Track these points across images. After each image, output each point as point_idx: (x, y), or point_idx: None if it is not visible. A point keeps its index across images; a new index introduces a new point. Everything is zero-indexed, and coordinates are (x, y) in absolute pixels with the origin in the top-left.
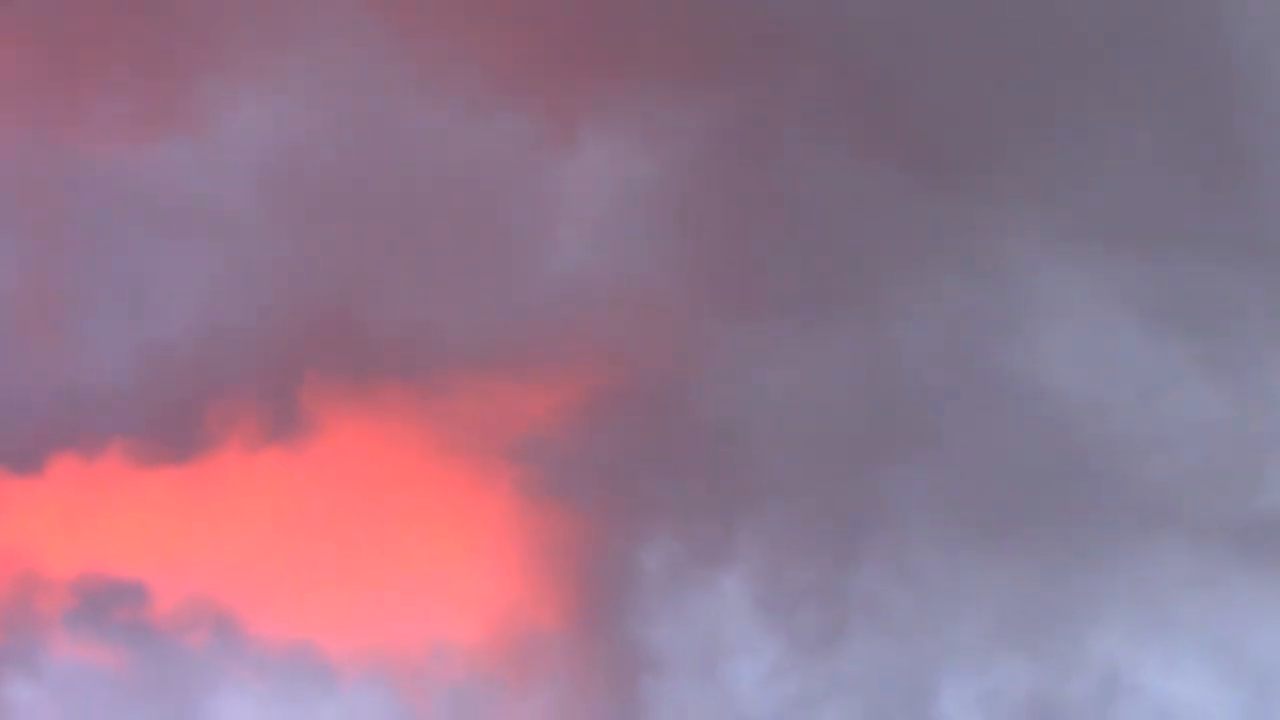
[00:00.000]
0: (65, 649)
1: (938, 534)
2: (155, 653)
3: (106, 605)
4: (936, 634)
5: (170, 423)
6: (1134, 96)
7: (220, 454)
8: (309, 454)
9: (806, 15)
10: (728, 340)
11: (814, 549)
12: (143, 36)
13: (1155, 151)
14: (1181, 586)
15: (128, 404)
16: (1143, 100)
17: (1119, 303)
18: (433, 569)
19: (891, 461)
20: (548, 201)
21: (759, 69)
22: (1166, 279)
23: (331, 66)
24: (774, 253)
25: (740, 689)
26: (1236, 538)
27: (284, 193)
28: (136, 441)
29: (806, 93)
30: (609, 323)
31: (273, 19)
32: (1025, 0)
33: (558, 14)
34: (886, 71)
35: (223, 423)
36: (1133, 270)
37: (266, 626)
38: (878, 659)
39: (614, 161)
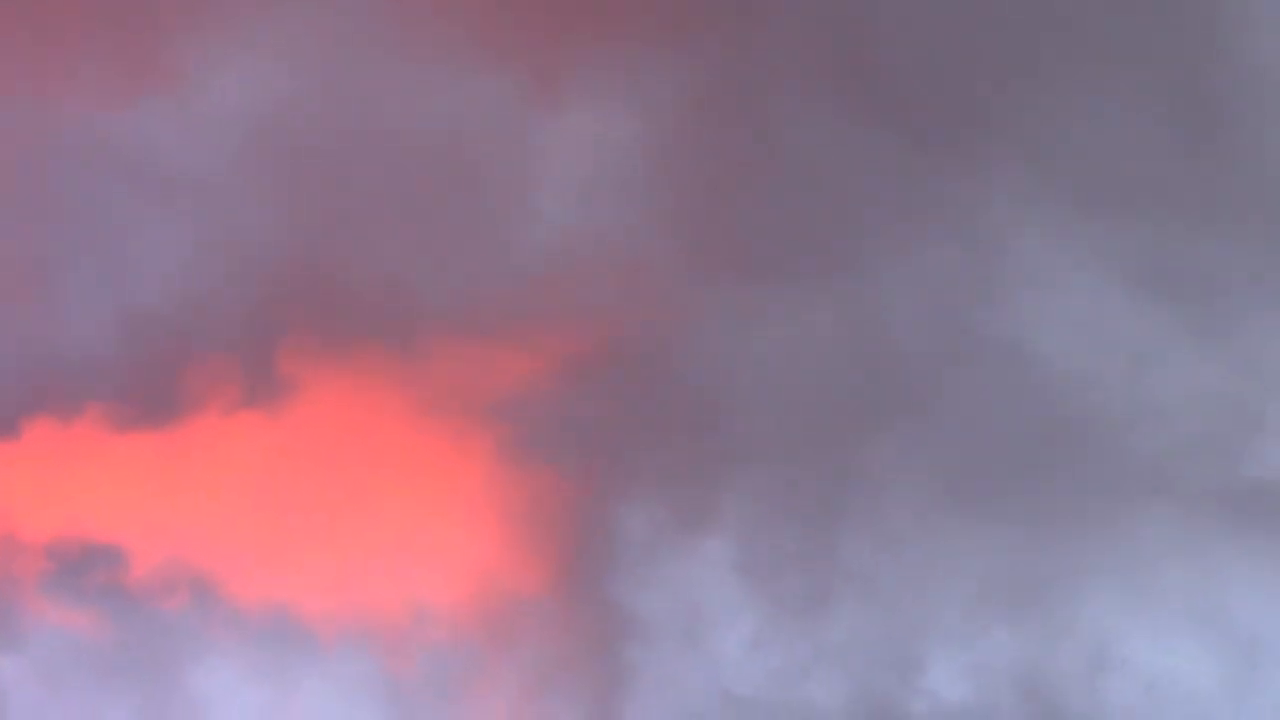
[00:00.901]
0: (41, 613)
1: (922, 501)
2: (133, 617)
3: (83, 569)
4: (922, 603)
5: (148, 386)
6: (1120, 60)
7: (198, 418)
8: (287, 417)
9: None
10: (711, 303)
11: (797, 515)
12: None
13: (1141, 115)
14: (1169, 555)
15: (105, 368)
16: (1129, 64)
17: (1106, 269)
18: (412, 532)
19: (876, 428)
20: (530, 162)
21: (743, 30)
22: (1153, 244)
23: (313, 27)
24: (758, 216)
25: (724, 656)
26: (1224, 506)
27: (263, 155)
28: (114, 405)
29: (791, 54)
30: (591, 285)
31: None
32: None
33: None
34: (871, 34)
35: (200, 386)
36: (1119, 236)
37: (245, 590)
38: (863, 629)
39: (597, 122)
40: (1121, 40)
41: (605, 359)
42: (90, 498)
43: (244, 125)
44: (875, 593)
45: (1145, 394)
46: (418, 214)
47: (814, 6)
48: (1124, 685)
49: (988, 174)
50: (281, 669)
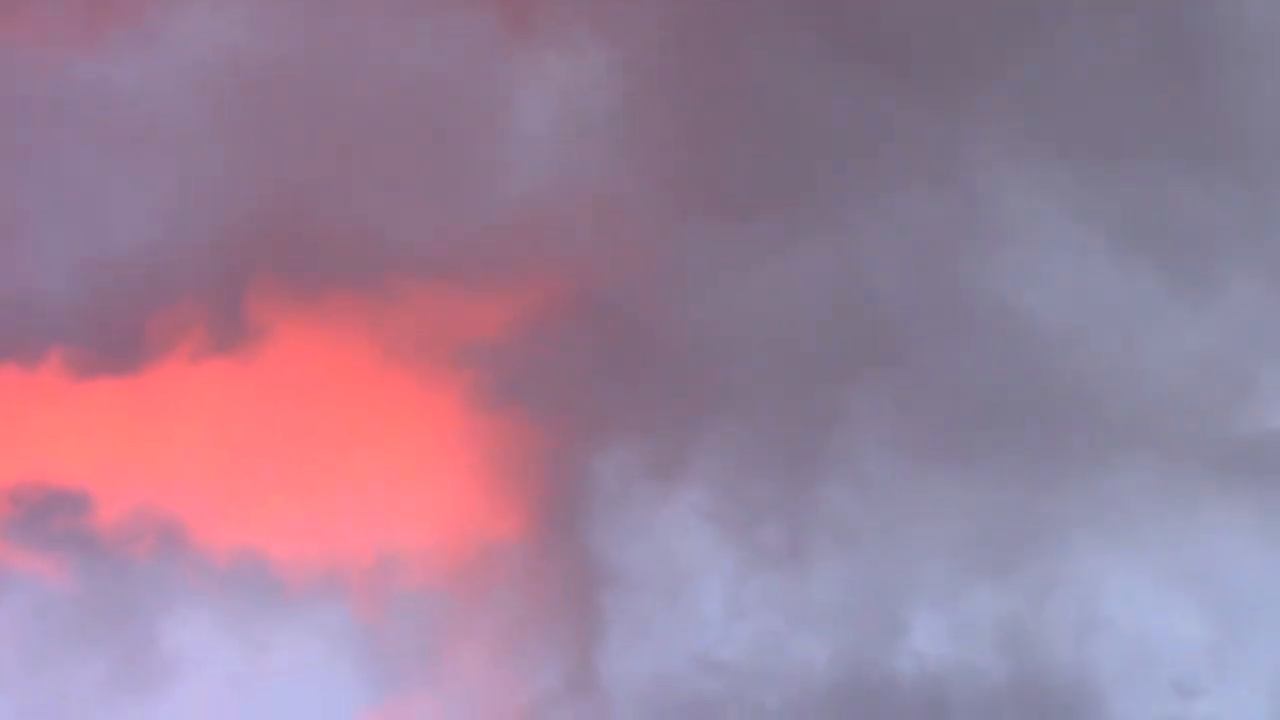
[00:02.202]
0: (5, 558)
1: (902, 453)
2: (99, 564)
3: (48, 514)
4: (903, 558)
5: (115, 332)
6: (1106, 9)
7: (165, 363)
8: (256, 363)
9: None
10: (687, 250)
11: (773, 465)
12: None
13: (1127, 65)
14: (1153, 512)
15: (71, 314)
16: (1114, 12)
17: (1091, 221)
18: (383, 478)
19: (855, 378)
20: (503, 106)
21: None
22: (1139, 196)
23: None
24: (736, 162)
25: (701, 609)
26: (1209, 463)
27: (231, 99)
28: (80, 351)
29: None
30: (565, 230)
31: None
32: None
33: None
34: None
35: (168, 332)
36: (1104, 187)
37: (213, 537)
38: (843, 585)
39: (570, 65)
40: None
41: (579, 305)
42: (55, 444)
43: (211, 69)
44: (855, 547)
45: (1130, 349)
46: (389, 157)
47: None
48: (1109, 643)
49: (971, 122)
50: (253, 620)
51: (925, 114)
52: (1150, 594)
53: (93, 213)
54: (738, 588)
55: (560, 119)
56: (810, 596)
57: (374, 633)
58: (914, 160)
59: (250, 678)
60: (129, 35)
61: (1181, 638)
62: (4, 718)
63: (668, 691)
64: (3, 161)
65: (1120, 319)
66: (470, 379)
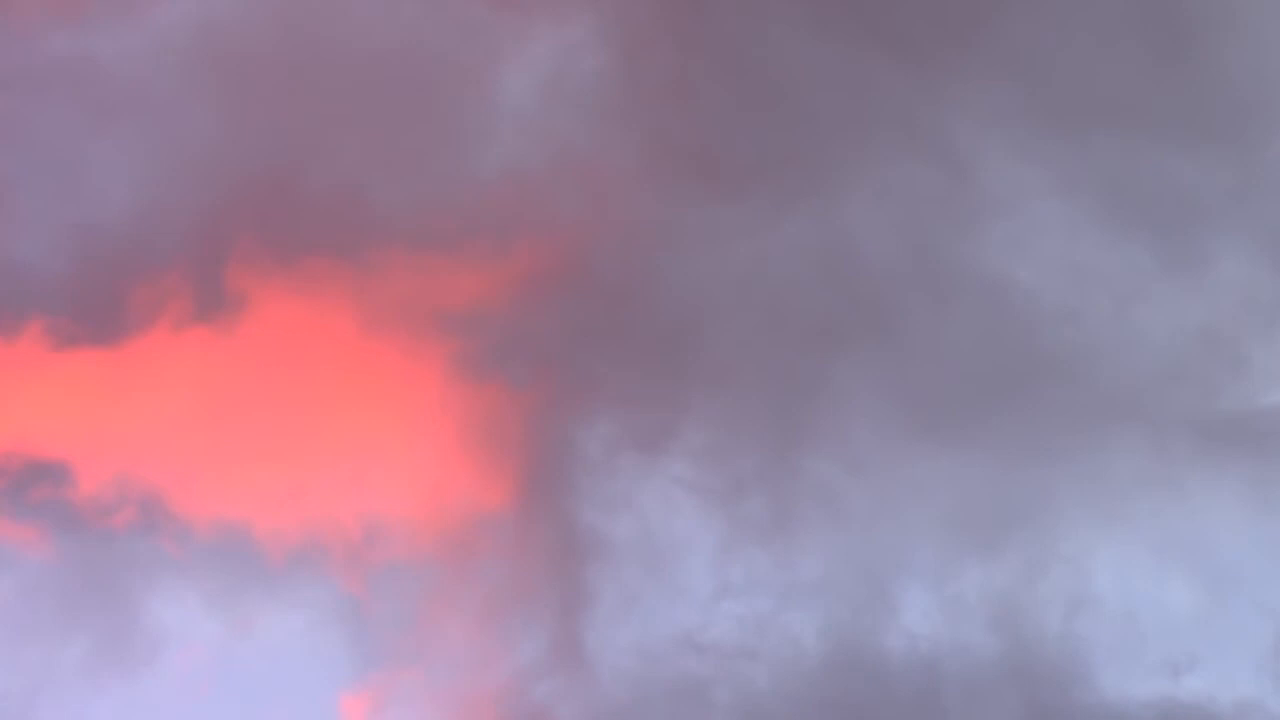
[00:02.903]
0: None
1: (890, 427)
2: (78, 535)
3: (27, 485)
4: (892, 533)
5: (96, 302)
6: None
7: (147, 333)
8: (238, 333)
9: None
10: (675, 221)
11: (760, 437)
12: None
13: (1114, 36)
14: (1143, 486)
15: (51, 283)
16: None
17: (1078, 193)
18: (366, 447)
19: (842, 351)
20: (488, 74)
21: None
22: (1126, 170)
23: None
24: (725, 133)
25: (686, 583)
26: (1199, 437)
27: (213, 67)
28: (60, 321)
29: None
30: (551, 199)
31: None
32: None
33: None
34: None
35: (149, 302)
36: (1092, 158)
37: (195, 508)
38: (831, 561)
39: (558, 31)
40: None
41: (564, 275)
42: (35, 414)
43: (193, 38)
44: (842, 521)
45: (1120, 323)
46: (371, 124)
47: None
48: (1099, 618)
49: (960, 93)
50: (236, 593)
51: (914, 85)
52: (1141, 568)
53: (73, 182)
54: (724, 562)
55: (545, 88)
56: (798, 572)
57: (358, 605)
58: (903, 132)
59: (234, 652)
60: (110, 4)
61: (1172, 612)
62: None
63: (654, 669)
64: None
65: (1110, 292)
66: (454, 348)
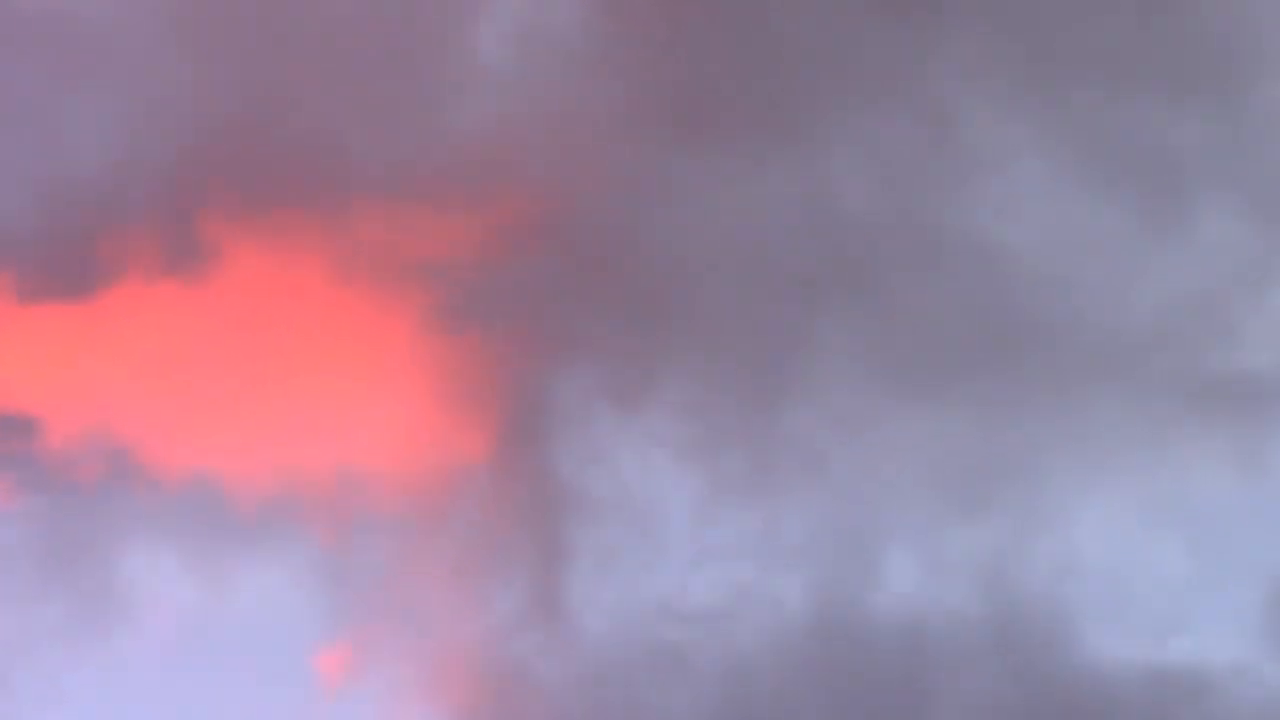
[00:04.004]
0: None
1: (872, 385)
2: (49, 489)
3: None
4: (875, 493)
5: (66, 255)
6: None
7: (118, 286)
8: (210, 284)
9: None
10: (656, 172)
11: (740, 392)
12: None
13: None
14: (1129, 447)
15: (22, 237)
16: None
17: (1063, 152)
18: (341, 400)
19: (825, 306)
20: (466, 22)
21: None
22: (1111, 127)
23: None
24: (706, 84)
25: (667, 538)
26: (1185, 397)
27: (186, 18)
28: (30, 274)
29: None
30: (529, 149)
31: None
32: None
33: None
34: None
35: (120, 255)
36: (1075, 117)
37: (167, 462)
38: (815, 521)
39: None
40: None
41: (541, 226)
42: (5, 368)
43: None
44: (825, 480)
45: (1105, 282)
46: (345, 74)
47: None
48: (1086, 580)
49: (944, 47)
50: (210, 549)
51: (898, 36)
52: (1128, 530)
53: (42, 134)
54: (704, 520)
55: (523, 38)
56: (780, 533)
57: (333, 559)
58: (887, 85)
59: (208, 609)
60: None
61: (1160, 574)
62: None
63: (634, 630)
64: None
65: (1096, 251)
66: (430, 300)
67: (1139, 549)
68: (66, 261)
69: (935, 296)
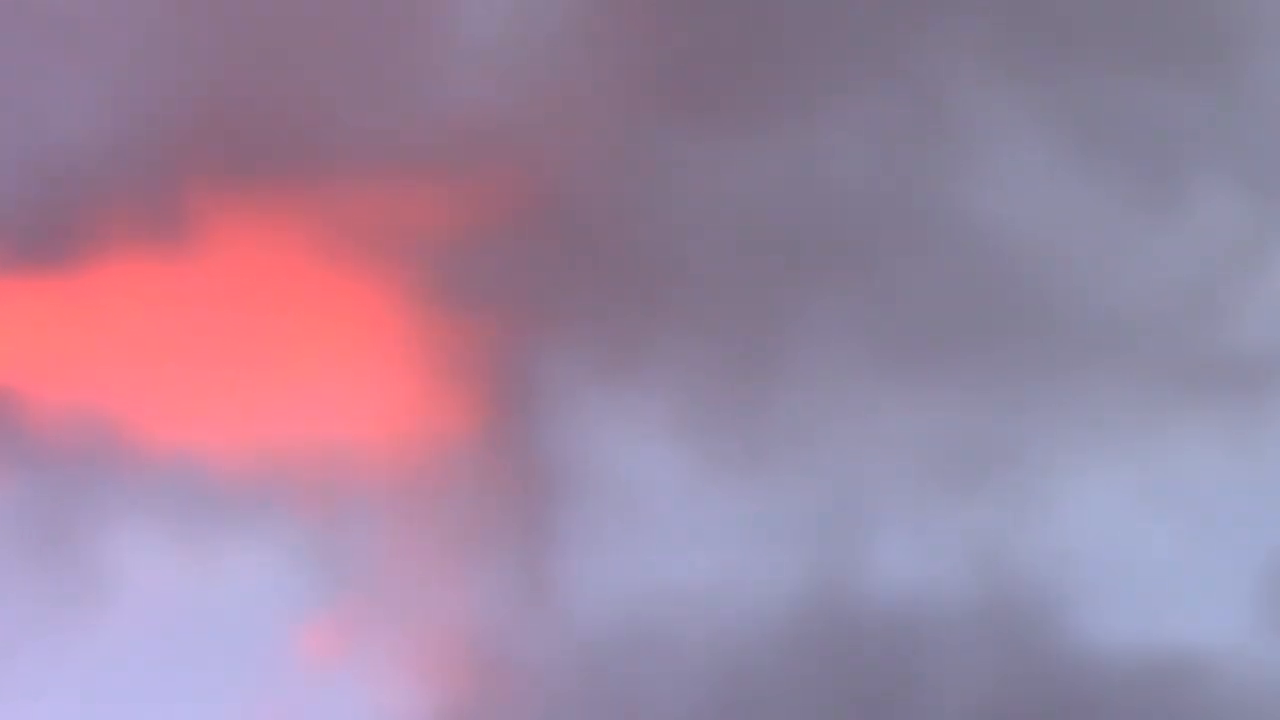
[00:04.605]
0: None
1: (864, 363)
2: (30, 462)
3: None
4: (867, 471)
5: (48, 228)
6: None
7: (101, 259)
8: (194, 258)
9: None
10: (645, 149)
11: (730, 370)
12: None
13: None
14: (1123, 428)
15: (3, 209)
16: None
17: (1056, 131)
18: (325, 373)
19: (817, 283)
20: None
21: None
22: (1105, 104)
23: None
24: (696, 60)
25: (657, 518)
26: (1180, 379)
27: None
28: (12, 246)
29: None
30: (518, 126)
31: None
32: None
33: None
34: None
35: (103, 227)
36: (1068, 94)
37: (148, 437)
38: (806, 502)
39: None
40: None
41: (530, 202)
42: None
43: None
44: (815, 461)
45: (1097, 261)
46: (332, 47)
47: None
48: (1079, 560)
49: (936, 21)
50: (192, 521)
51: (892, 13)
52: (1121, 511)
53: (23, 107)
54: (694, 501)
55: (514, 10)
56: (771, 513)
57: (318, 536)
58: (880, 62)
59: (191, 587)
60: None
61: (1153, 555)
62: None
63: (621, 613)
64: None
65: (1090, 231)
66: (417, 275)
67: (1133, 531)
68: (48, 235)
69: (929, 276)
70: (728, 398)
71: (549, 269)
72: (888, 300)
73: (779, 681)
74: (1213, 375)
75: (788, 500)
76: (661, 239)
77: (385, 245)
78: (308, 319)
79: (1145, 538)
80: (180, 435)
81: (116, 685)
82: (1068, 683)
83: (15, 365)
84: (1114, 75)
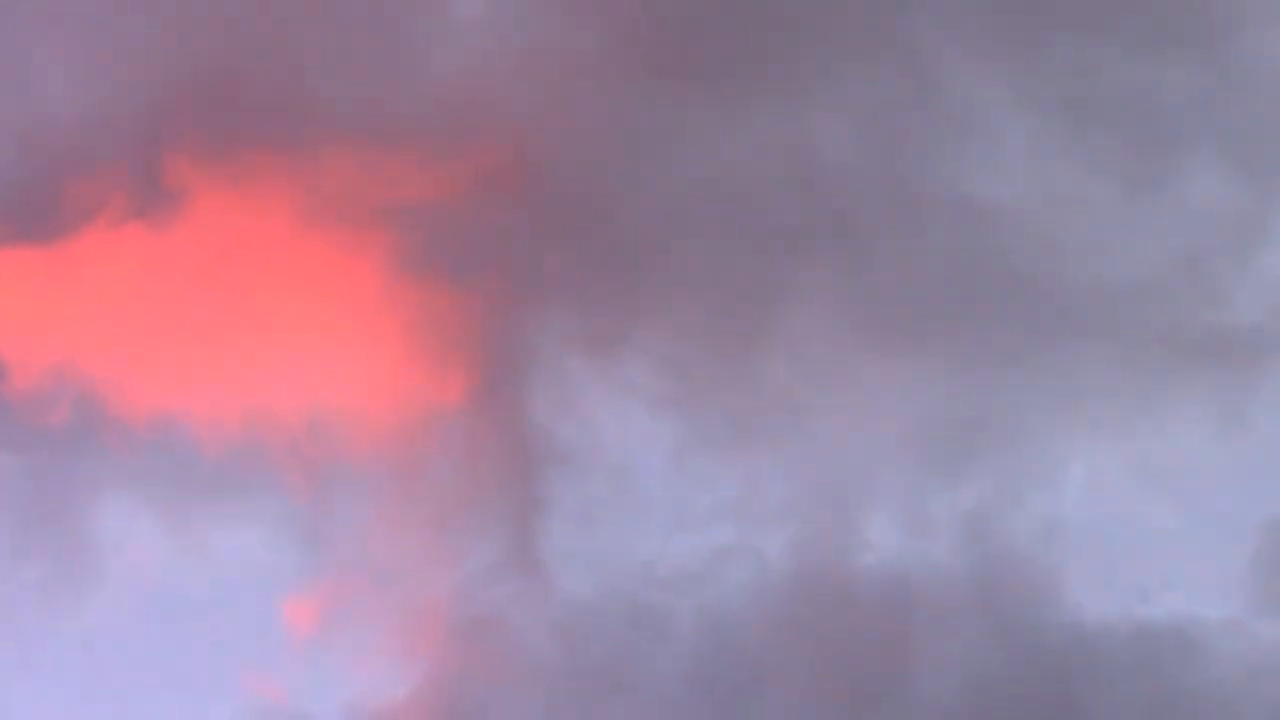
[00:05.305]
0: None
1: (852, 338)
2: (14, 431)
3: None
4: (856, 447)
5: (33, 199)
6: None
7: (85, 229)
8: (178, 227)
9: None
10: (636, 119)
11: (718, 343)
12: None
13: None
14: (1112, 402)
15: None
16: None
17: (1046, 104)
18: (310, 344)
19: (806, 257)
20: None
21: None
22: (1096, 79)
23: None
24: (686, 30)
25: (645, 491)
26: (1171, 353)
27: None
28: None
29: None
30: (507, 92)
31: None
32: None
33: None
34: None
35: (87, 197)
36: (1060, 71)
37: (134, 407)
38: (795, 476)
39: None
40: None
41: (517, 171)
42: None
43: None
44: (804, 436)
45: (1088, 236)
46: (316, 14)
47: None
48: (1070, 536)
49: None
50: (176, 492)
51: None
52: (1112, 487)
53: (8, 79)
54: (681, 472)
55: None
56: (759, 488)
57: (303, 508)
58: (869, 37)
59: (176, 560)
60: None
61: (1145, 530)
62: None
63: (609, 585)
64: None
65: (1079, 206)
66: (401, 244)
67: (1124, 506)
68: (32, 206)
69: (917, 251)
70: (715, 371)
71: (536, 240)
72: (877, 277)
73: (766, 653)
74: (1205, 351)
75: (777, 475)
76: (649, 212)
77: (370, 216)
78: (293, 290)
79: (1138, 512)
80: (166, 406)
81: (104, 658)
82: (1060, 655)
83: (1, 335)
84: (1104, 52)
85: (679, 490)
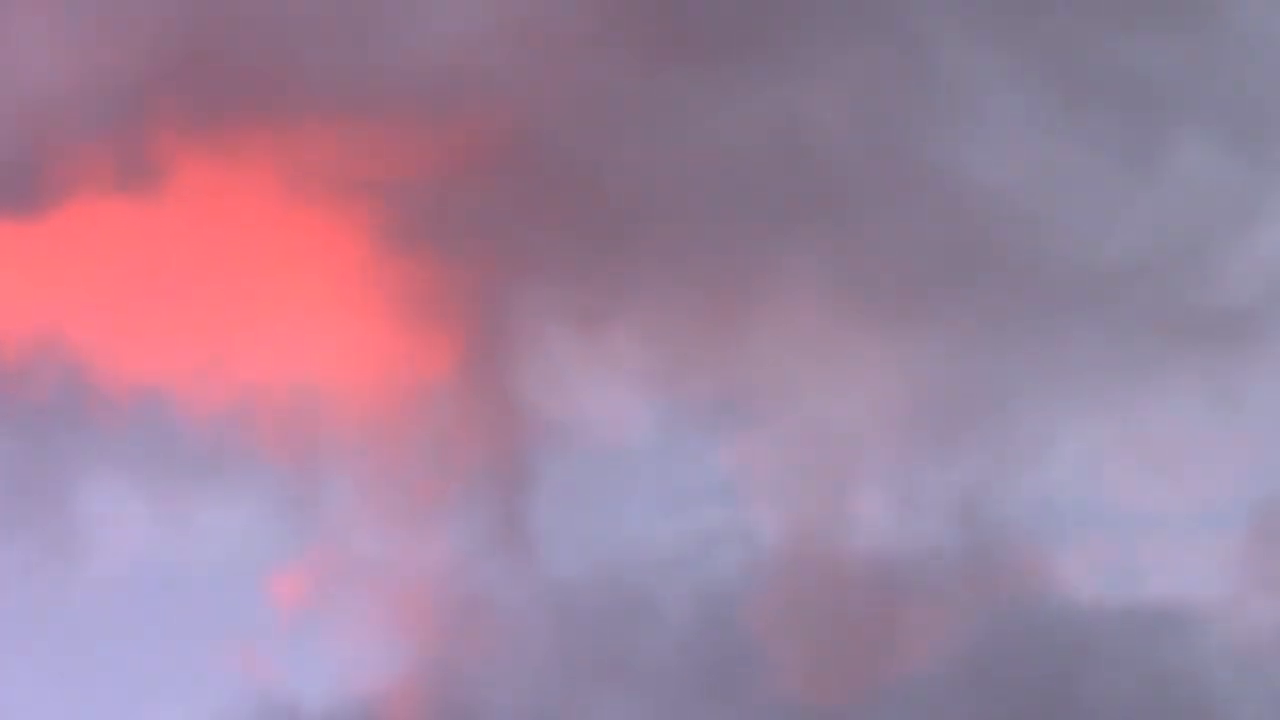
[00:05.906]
0: None
1: (843, 315)
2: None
3: None
4: (846, 424)
5: (15, 172)
6: None
7: (69, 203)
8: (163, 200)
9: None
10: (625, 90)
11: (706, 317)
12: None
13: None
14: (1103, 380)
15: None
16: None
17: (1036, 78)
18: (296, 317)
19: (796, 233)
20: None
21: None
22: (1088, 55)
23: None
24: (682, 3)
25: (632, 469)
26: (1161, 331)
27: None
28: None
29: None
30: (494, 64)
31: None
32: None
33: None
34: None
35: (70, 171)
36: (1052, 46)
37: (118, 380)
38: (783, 453)
39: None
40: None
41: (504, 144)
42: None
43: None
44: (794, 413)
45: (1080, 213)
46: None
47: None
48: (1062, 516)
49: None
50: (162, 467)
51: None
52: (1104, 465)
53: None
54: (671, 449)
55: None
56: (748, 465)
57: (290, 482)
58: (861, 12)
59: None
60: None
61: (1136, 508)
62: None
63: (597, 560)
64: None
65: (1072, 183)
66: (388, 217)
67: (1118, 485)
68: (14, 179)
69: (908, 227)
70: (706, 347)
71: (523, 213)
72: (867, 253)
73: (757, 631)
74: (1198, 329)
75: (765, 452)
76: (638, 186)
77: (357, 188)
78: (278, 263)
79: (1129, 490)
80: (149, 377)
81: (89, 634)
82: (1051, 635)
83: None
84: (1098, 27)
85: (667, 467)
